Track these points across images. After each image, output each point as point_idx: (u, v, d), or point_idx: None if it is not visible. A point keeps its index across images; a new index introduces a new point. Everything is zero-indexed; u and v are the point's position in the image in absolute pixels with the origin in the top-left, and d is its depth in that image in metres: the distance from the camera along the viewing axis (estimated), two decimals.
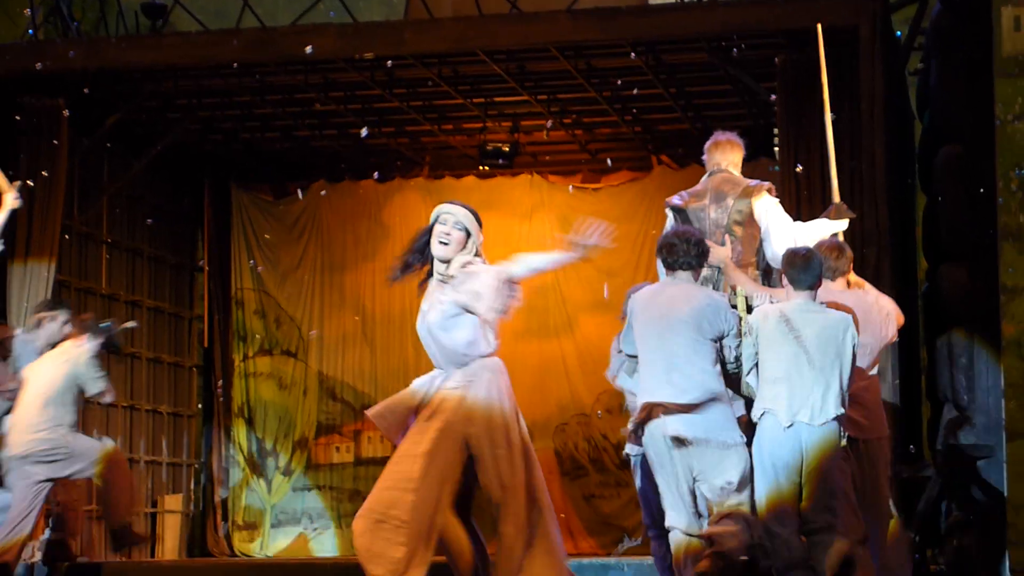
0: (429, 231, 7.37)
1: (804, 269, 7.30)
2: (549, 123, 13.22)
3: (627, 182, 14.40)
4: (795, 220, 8.45)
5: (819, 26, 8.95)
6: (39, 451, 9.71)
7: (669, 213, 8.45)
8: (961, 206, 10.07)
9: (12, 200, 9.82)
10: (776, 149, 10.91)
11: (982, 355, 9.99)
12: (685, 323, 7.25)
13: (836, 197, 8.54)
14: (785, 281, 7.43)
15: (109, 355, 10.89)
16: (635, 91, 12.29)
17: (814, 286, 7.33)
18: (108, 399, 10.25)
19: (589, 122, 13.59)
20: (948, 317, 10.19)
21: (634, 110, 13.15)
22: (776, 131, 11.00)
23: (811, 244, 7.75)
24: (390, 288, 14.42)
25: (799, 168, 10.44)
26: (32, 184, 11.44)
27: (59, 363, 9.83)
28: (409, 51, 11.54)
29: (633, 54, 11.47)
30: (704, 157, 8.56)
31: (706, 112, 13.09)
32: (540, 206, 14.41)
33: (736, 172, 8.40)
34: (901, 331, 9.23)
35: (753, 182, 8.28)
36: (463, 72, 12.35)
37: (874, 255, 10.28)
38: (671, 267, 7.48)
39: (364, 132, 12.55)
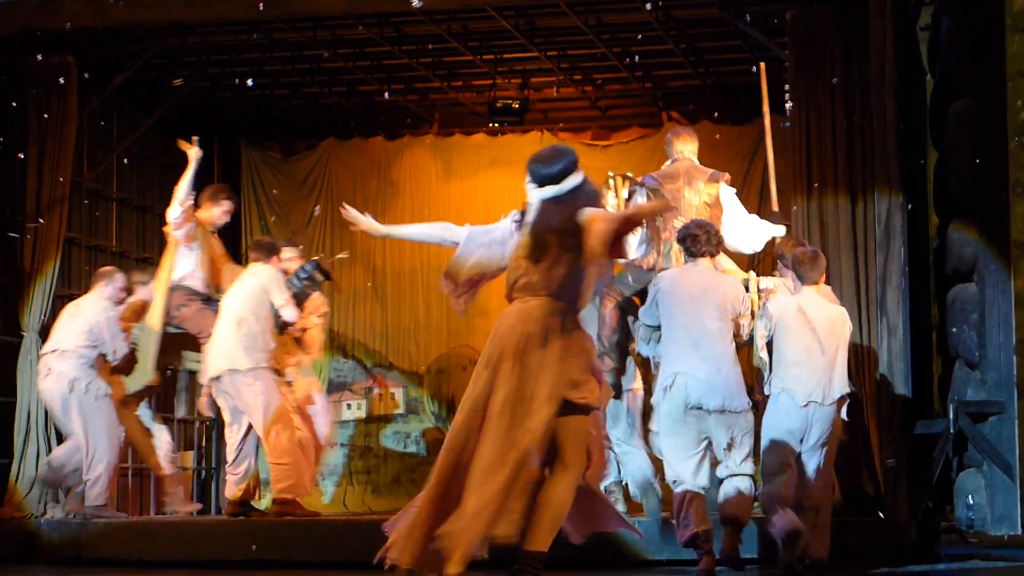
0: None
1: (812, 267, 8.65)
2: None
3: (637, 139, 14.39)
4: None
5: (763, 65, 10.43)
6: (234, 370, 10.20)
7: (640, 191, 9.68)
8: (972, 161, 10.05)
9: (195, 153, 10.84)
10: (787, 105, 10.89)
11: (993, 311, 9.98)
12: (711, 304, 8.24)
13: (775, 206, 10.23)
14: (793, 276, 8.83)
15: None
16: (645, 46, 12.29)
17: (818, 281, 8.73)
18: (289, 316, 10.45)
19: (599, 78, 13.57)
20: (958, 273, 10.18)
21: (644, 66, 13.13)
22: (787, 87, 10.98)
23: (759, 239, 9.69)
24: (399, 245, 14.55)
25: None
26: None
27: (247, 282, 10.48)
28: (418, 7, 11.51)
29: (647, 6, 11.42)
30: (667, 147, 9.93)
31: (716, 68, 13.08)
32: None
33: (696, 160, 9.80)
34: (912, 288, 9.60)
35: (714, 171, 9.76)
36: (472, 28, 12.34)
37: (885, 211, 10.28)
38: (693, 255, 8.51)
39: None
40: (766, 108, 10.35)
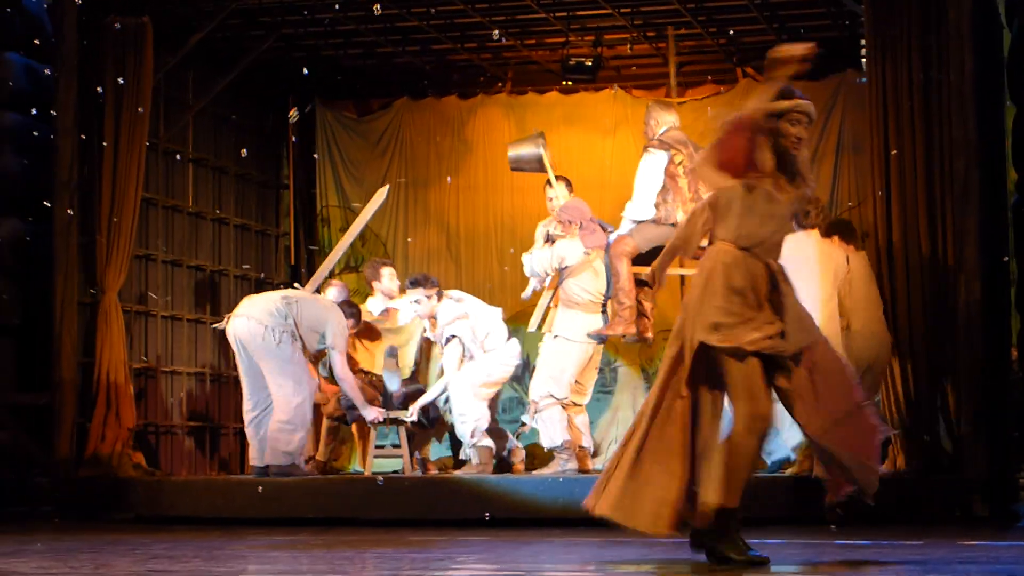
0: None
1: None
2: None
3: (712, 95, 14.31)
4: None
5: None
6: None
7: (663, 152, 10.72)
8: None
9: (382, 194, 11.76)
10: (863, 60, 10.83)
11: None
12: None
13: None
14: None
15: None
16: (719, 0, 12.22)
17: None
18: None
19: (672, 34, 13.51)
20: None
21: (718, 21, 13.08)
22: (863, 42, 10.91)
23: None
24: (472, 205, 14.59)
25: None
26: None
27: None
28: None
29: None
30: (658, 116, 11.04)
31: (791, 23, 12.99)
32: (624, 121, 14.34)
33: None
34: (987, 244, 9.52)
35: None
36: None
37: (963, 167, 10.21)
38: (803, 227, 9.88)
39: (496, 35, 12.71)
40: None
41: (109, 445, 11.58)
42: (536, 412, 10.79)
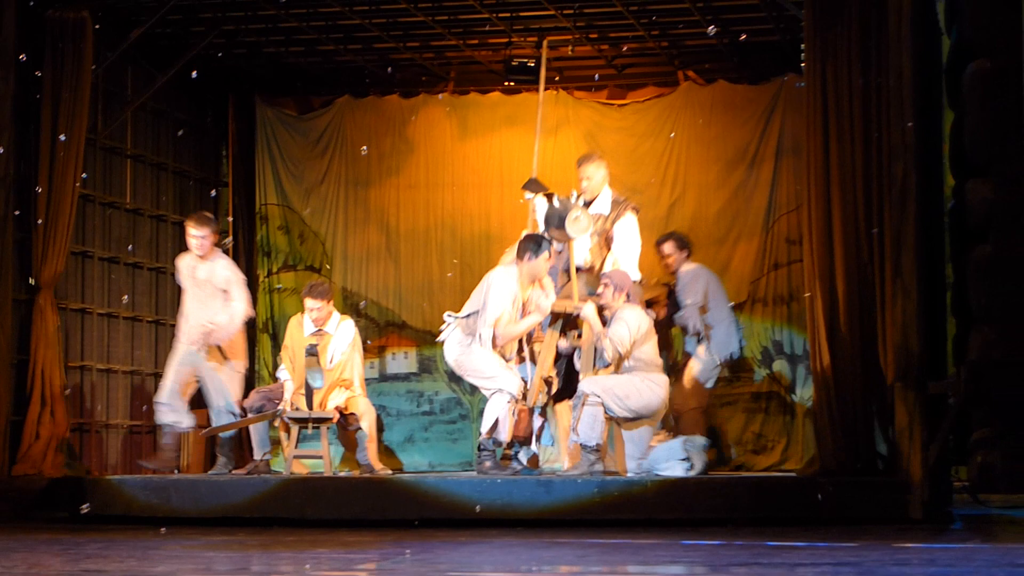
0: None
1: None
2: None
3: (653, 98, 14.35)
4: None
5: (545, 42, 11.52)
6: None
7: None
8: (988, 121, 10.01)
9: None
10: (803, 65, 10.88)
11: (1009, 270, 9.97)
12: None
13: (534, 172, 11.69)
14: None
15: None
16: (661, 3, 12.25)
17: None
18: None
19: (615, 37, 13.54)
20: (974, 232, 10.16)
21: (661, 24, 13.11)
22: (803, 47, 10.96)
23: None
24: (414, 204, 14.58)
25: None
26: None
27: None
28: None
29: None
30: (589, 175, 11.52)
31: (733, 27, 13.04)
32: (565, 122, 14.37)
33: None
34: (924, 249, 9.56)
35: None
36: None
37: (900, 171, 10.26)
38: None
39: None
40: (542, 84, 11.83)
41: (43, 444, 11.48)
42: (584, 404, 10.78)
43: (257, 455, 12.08)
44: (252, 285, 14.78)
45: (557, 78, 14.21)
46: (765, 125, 13.75)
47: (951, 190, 10.78)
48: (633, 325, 10.87)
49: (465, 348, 11.00)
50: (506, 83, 14.24)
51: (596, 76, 14.10)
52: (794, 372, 13.56)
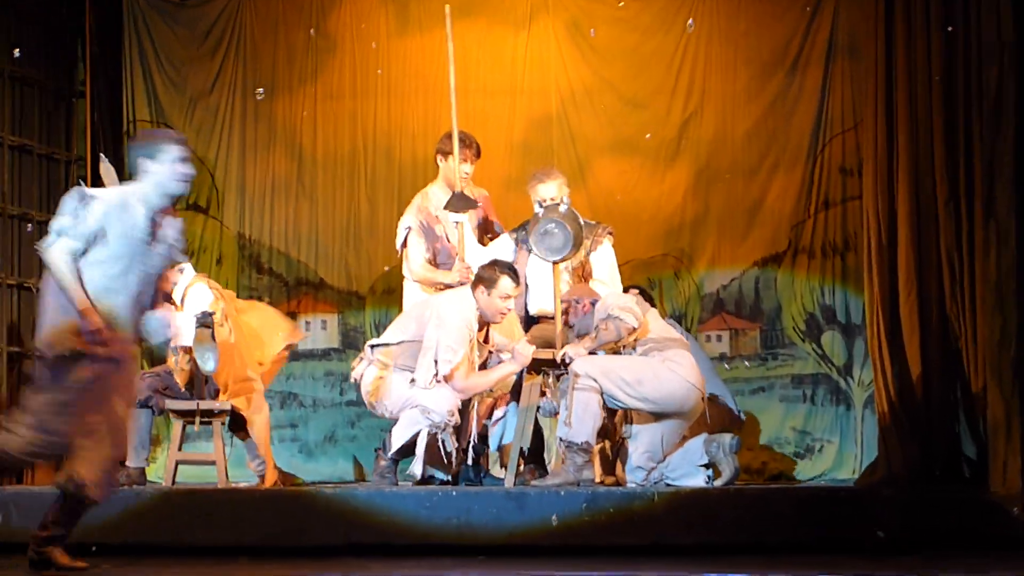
0: None
1: None
2: None
3: None
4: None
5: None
6: None
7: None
8: None
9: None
10: None
11: None
12: None
13: (458, 185, 11.59)
14: None
15: None
16: None
17: None
18: None
19: None
20: None
21: None
22: None
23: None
24: (336, 119, 14.49)
25: None
26: None
27: None
28: None
29: None
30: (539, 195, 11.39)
31: None
32: (542, 9, 14.32)
33: None
34: None
35: None
36: None
37: (995, 77, 10.26)
38: None
39: None
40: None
41: None
42: (573, 388, 10.76)
43: (132, 461, 11.97)
44: None
45: None
46: (812, 16, 13.73)
47: None
48: (626, 299, 10.96)
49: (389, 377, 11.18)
50: None
51: None
52: (850, 348, 13.50)
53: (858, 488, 10.66)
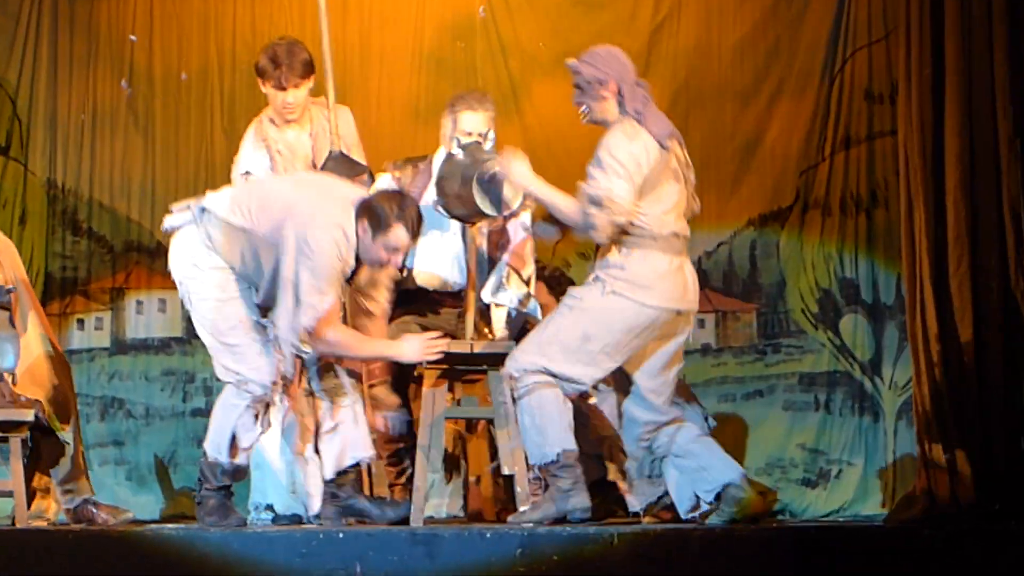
0: None
1: None
2: None
3: None
4: None
5: None
6: None
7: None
8: None
9: None
10: None
11: None
12: None
13: (335, 144, 11.85)
14: None
15: None
16: None
17: None
18: None
19: None
20: None
21: None
22: None
23: None
24: (181, 20, 14.52)
25: None
26: None
27: None
28: None
29: None
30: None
31: None
32: None
33: None
34: None
35: None
36: None
37: None
38: None
39: None
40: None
41: None
42: (515, 397, 10.76)
43: None
44: None
45: None
46: None
47: None
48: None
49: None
50: None
51: None
52: (879, 337, 13.52)
53: (889, 527, 10.72)
